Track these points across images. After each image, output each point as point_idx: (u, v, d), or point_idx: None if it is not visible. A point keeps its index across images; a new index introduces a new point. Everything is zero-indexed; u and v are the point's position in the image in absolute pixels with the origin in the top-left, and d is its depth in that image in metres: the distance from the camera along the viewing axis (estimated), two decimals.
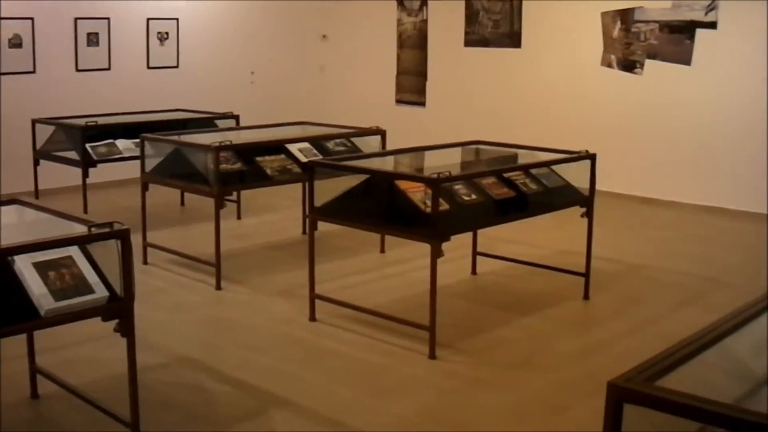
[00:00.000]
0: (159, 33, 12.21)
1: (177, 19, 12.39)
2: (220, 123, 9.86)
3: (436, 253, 5.70)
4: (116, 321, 4.06)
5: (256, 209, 10.25)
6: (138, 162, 8.10)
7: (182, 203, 10.71)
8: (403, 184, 6.21)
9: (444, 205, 5.94)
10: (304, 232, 9.07)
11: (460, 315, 6.83)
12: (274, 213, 10.29)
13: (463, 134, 8.90)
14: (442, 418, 5.02)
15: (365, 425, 4.88)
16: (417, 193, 6.07)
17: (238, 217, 9.90)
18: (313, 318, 6.56)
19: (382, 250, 8.50)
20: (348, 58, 14.42)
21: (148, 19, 12.06)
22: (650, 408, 2.27)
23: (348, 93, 14.34)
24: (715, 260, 8.51)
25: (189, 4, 12.56)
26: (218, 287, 7.31)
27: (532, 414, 5.11)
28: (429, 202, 5.79)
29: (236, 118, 10.06)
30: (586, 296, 7.24)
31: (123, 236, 4.00)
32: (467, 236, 7.55)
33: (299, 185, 8.73)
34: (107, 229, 4.02)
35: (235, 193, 9.48)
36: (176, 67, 12.52)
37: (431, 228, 5.75)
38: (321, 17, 14.34)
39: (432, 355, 5.84)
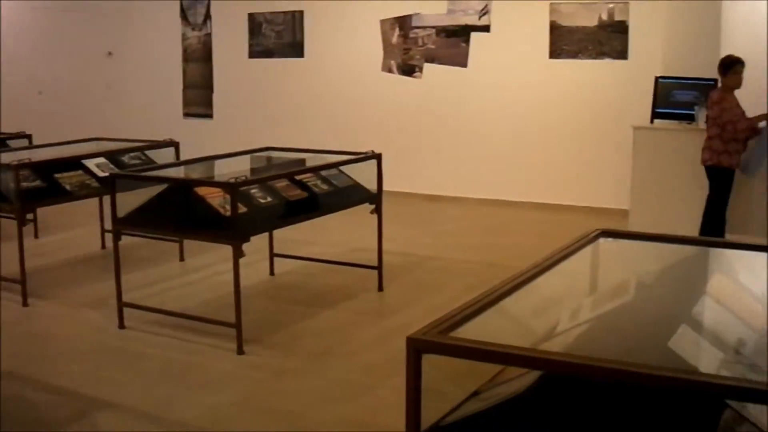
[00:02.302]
0: None
1: None
2: (12, 143, 9.83)
3: (238, 254, 6.02)
4: None
5: (53, 228, 10.25)
6: None
7: None
8: (201, 191, 6.50)
9: (242, 209, 6.27)
10: (103, 247, 9.22)
11: (263, 312, 7.16)
12: (70, 230, 10.32)
13: (254, 143, 9.13)
14: (255, 405, 5.33)
15: (183, 417, 5.16)
16: (216, 198, 6.37)
17: (36, 236, 9.87)
18: (122, 325, 6.74)
19: (182, 259, 8.71)
20: (134, 73, 14.49)
21: None
22: (444, 355, 2.67)
23: (136, 108, 14.39)
24: (498, 248, 9.11)
25: None
26: (25, 304, 7.38)
27: (340, 396, 5.48)
28: (228, 206, 6.09)
29: (29, 137, 10.07)
30: (380, 288, 7.69)
31: None
32: (263, 241, 7.87)
33: (94, 201, 8.89)
34: None
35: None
36: None
37: (231, 230, 6.06)
38: (105, 35, 14.36)
39: (240, 351, 6.15)
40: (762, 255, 4.23)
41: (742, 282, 4.13)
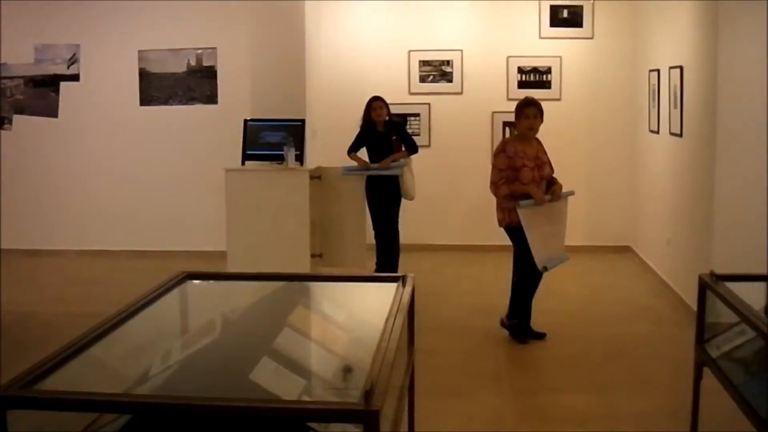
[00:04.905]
0: None
1: None
2: None
3: None
4: None
5: None
6: None
7: None
8: None
9: None
10: None
11: None
12: None
13: None
14: None
15: None
16: None
17: None
18: None
19: None
20: None
21: None
22: (30, 408, 2.69)
23: None
24: (100, 298, 9.02)
25: None
26: None
27: None
28: None
29: None
30: None
31: None
32: None
33: None
34: None
35: None
36: None
37: None
38: None
39: None
40: (344, 285, 4.54)
41: (323, 311, 4.39)
